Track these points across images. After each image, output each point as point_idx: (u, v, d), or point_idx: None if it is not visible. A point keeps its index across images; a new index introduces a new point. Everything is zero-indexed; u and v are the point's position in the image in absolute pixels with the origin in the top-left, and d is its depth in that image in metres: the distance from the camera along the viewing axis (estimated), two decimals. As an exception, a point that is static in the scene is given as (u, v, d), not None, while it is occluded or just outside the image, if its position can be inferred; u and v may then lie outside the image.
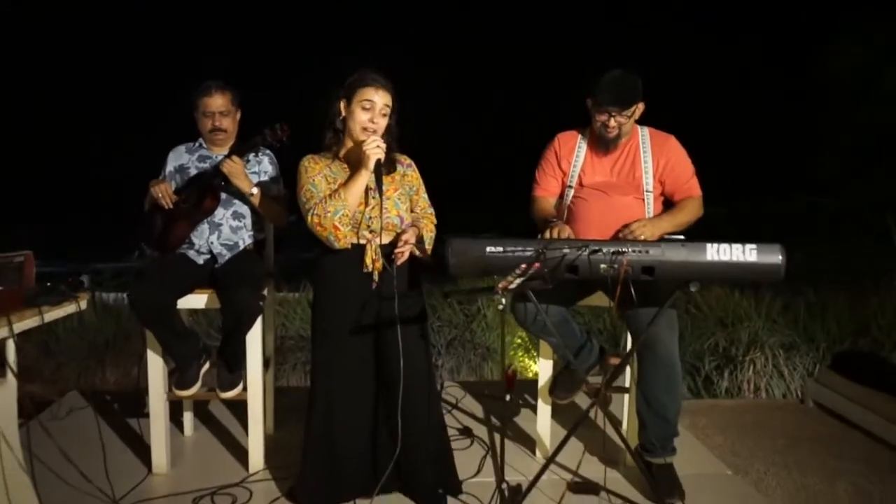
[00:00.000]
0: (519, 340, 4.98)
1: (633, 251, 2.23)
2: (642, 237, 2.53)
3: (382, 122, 2.44)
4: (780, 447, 3.33)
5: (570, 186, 2.80)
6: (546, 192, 2.86)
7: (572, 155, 2.81)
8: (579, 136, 2.84)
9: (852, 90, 7.14)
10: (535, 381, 2.99)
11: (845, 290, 5.14)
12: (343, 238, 2.39)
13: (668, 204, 2.83)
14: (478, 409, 3.59)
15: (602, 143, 2.75)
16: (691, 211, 2.75)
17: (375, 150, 2.34)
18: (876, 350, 4.44)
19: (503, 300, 2.16)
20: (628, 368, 2.84)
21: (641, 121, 2.80)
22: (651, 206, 2.74)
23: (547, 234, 2.55)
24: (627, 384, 2.91)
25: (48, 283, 2.20)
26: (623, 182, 2.75)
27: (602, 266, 2.24)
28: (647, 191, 2.73)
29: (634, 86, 2.66)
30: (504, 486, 2.44)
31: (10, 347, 2.09)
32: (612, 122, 2.66)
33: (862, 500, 2.81)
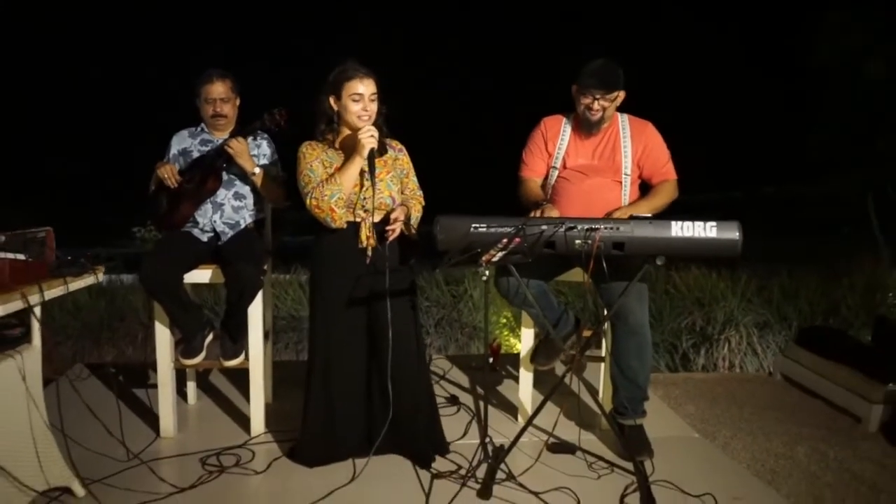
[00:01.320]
0: (504, 320, 5.27)
1: (605, 228, 2.50)
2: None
3: (373, 108, 2.72)
4: (747, 415, 3.63)
5: (555, 168, 3.06)
6: (533, 173, 3.12)
7: (558, 138, 3.07)
8: (564, 119, 3.10)
9: (841, 74, 7.38)
10: (518, 356, 3.27)
11: (818, 272, 5.46)
12: (339, 219, 2.66)
13: (645, 187, 3.10)
14: (464, 380, 3.88)
15: (586, 126, 2.99)
16: (667, 194, 3.01)
17: (370, 139, 2.62)
18: (845, 328, 4.76)
19: (486, 272, 2.43)
20: (606, 341, 3.13)
21: (625, 109, 3.06)
22: (628, 188, 3.00)
23: (536, 214, 2.82)
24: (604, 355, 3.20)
25: (69, 257, 2.45)
26: (604, 165, 3.01)
27: (577, 242, 2.51)
28: (625, 174, 2.99)
29: (617, 73, 2.90)
30: (487, 440, 2.71)
31: (37, 314, 2.34)
32: (596, 105, 2.90)
33: (819, 459, 3.10)
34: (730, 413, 3.67)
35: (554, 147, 3.06)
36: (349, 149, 2.71)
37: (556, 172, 3.06)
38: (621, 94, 2.94)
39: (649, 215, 2.57)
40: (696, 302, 5.04)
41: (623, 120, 3.05)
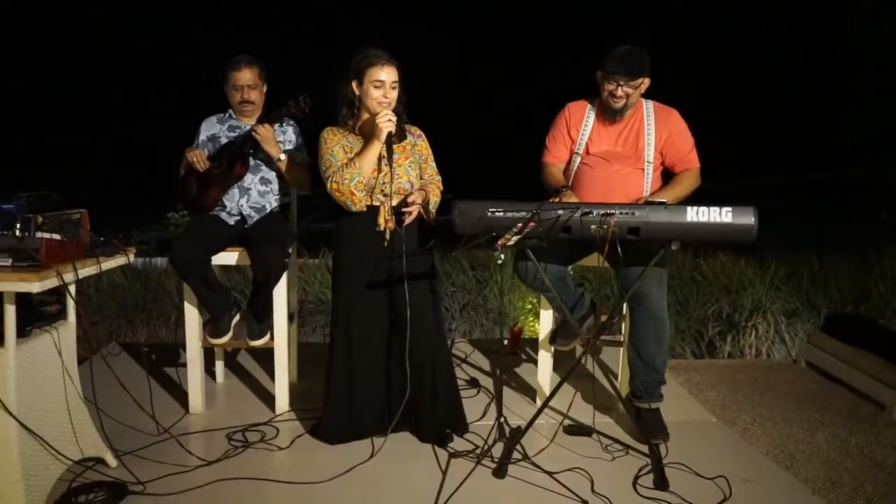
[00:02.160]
0: (530, 305, 5.33)
1: (621, 213, 2.56)
2: None
3: (394, 95, 2.81)
4: (768, 401, 3.66)
5: (578, 154, 3.11)
6: (555, 159, 3.17)
7: (581, 123, 3.11)
8: (588, 105, 3.13)
9: (879, 53, 7.24)
10: (538, 340, 3.34)
11: (849, 258, 5.41)
12: (359, 202, 2.76)
13: (667, 174, 3.13)
14: (485, 364, 3.97)
15: (609, 113, 3.03)
16: (689, 183, 3.05)
17: (387, 123, 2.71)
18: (876, 316, 4.73)
19: (502, 256, 2.51)
20: (625, 326, 3.19)
21: (655, 96, 3.08)
22: (650, 176, 3.04)
23: (555, 201, 2.88)
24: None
25: (102, 238, 2.58)
26: (627, 152, 3.05)
27: (592, 227, 2.57)
28: (647, 161, 3.02)
29: (643, 59, 2.93)
30: (503, 419, 2.79)
31: (72, 292, 2.48)
32: (620, 92, 2.93)
33: (839, 447, 3.13)
34: (751, 399, 3.70)
35: (577, 133, 3.11)
36: (369, 134, 2.80)
37: (579, 158, 3.10)
38: (646, 82, 2.95)
39: (665, 200, 2.61)
40: (722, 289, 5.03)
41: (648, 107, 3.07)
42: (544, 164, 3.20)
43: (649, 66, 2.93)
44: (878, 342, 3.75)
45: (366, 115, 2.86)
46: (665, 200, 2.63)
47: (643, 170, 3.04)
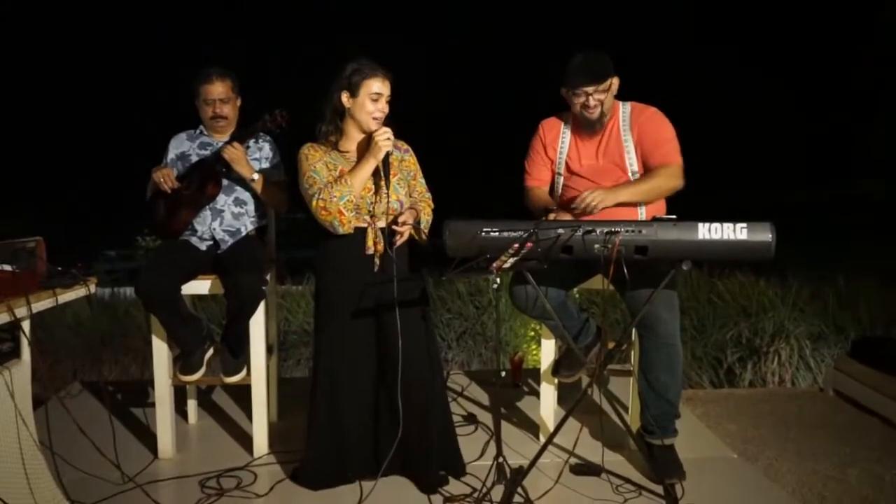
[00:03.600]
0: (532, 333, 5.30)
1: (626, 231, 2.53)
2: (594, 205, 2.76)
3: (387, 109, 2.80)
4: (794, 435, 3.61)
5: (559, 174, 3.09)
6: (537, 181, 3.16)
7: (557, 141, 3.10)
8: (562, 122, 3.12)
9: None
10: (540, 370, 3.30)
11: (879, 277, 5.39)
12: (347, 223, 2.73)
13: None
14: (483, 397, 3.92)
15: (588, 126, 2.99)
16: (660, 178, 2.89)
17: (386, 142, 2.71)
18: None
19: (497, 280, 2.48)
20: (634, 353, 3.15)
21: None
22: None
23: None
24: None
25: (59, 268, 2.54)
26: (609, 164, 3.02)
27: (596, 246, 2.55)
28: (632, 172, 2.98)
29: (603, 61, 2.92)
30: (502, 459, 2.74)
31: (26, 328, 2.44)
32: (592, 101, 2.91)
33: (873, 484, 3.08)
34: (775, 432, 3.65)
35: (555, 152, 3.10)
36: (359, 151, 2.80)
37: (561, 179, 3.08)
38: (615, 81, 2.95)
39: (674, 217, 2.59)
40: (741, 311, 5.00)
41: (625, 109, 3.04)
42: (527, 189, 3.18)
43: (612, 65, 2.92)
44: (911, 367, 3.72)
45: (351, 130, 2.84)
46: (674, 217, 2.60)
47: (630, 181, 3.00)
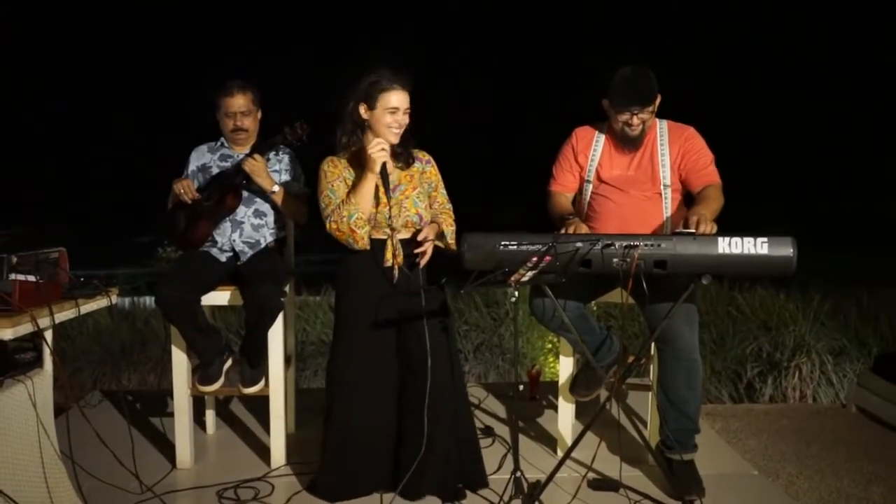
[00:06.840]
0: (550, 345, 5.29)
1: (645, 245, 2.53)
2: (711, 231, 2.67)
3: (405, 120, 2.81)
4: (815, 451, 3.58)
5: (588, 181, 3.10)
6: (562, 187, 3.16)
7: (589, 149, 3.10)
8: (597, 131, 3.13)
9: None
10: (558, 384, 3.29)
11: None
12: (361, 240, 2.75)
13: (688, 197, 3.09)
14: (500, 410, 3.91)
15: (628, 143, 3.01)
16: (718, 198, 2.93)
17: (380, 153, 2.71)
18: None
19: (515, 293, 2.48)
20: (653, 368, 3.13)
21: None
22: (669, 201, 3.01)
23: (563, 231, 2.86)
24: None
25: (81, 279, 2.58)
26: (641, 176, 3.03)
27: (615, 260, 2.54)
28: (664, 185, 2.99)
29: (650, 80, 2.92)
30: (520, 473, 2.73)
31: (49, 337, 2.47)
32: (636, 121, 2.93)
33: (896, 502, 3.05)
34: (796, 448, 3.62)
35: (586, 159, 3.10)
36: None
37: (591, 187, 3.09)
38: (658, 99, 2.95)
39: (693, 231, 2.58)
40: (762, 326, 4.97)
41: (662, 126, 3.06)
42: (550, 193, 3.19)
43: (657, 83, 2.92)
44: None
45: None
46: (693, 231, 2.58)
47: (661, 194, 3.01)
